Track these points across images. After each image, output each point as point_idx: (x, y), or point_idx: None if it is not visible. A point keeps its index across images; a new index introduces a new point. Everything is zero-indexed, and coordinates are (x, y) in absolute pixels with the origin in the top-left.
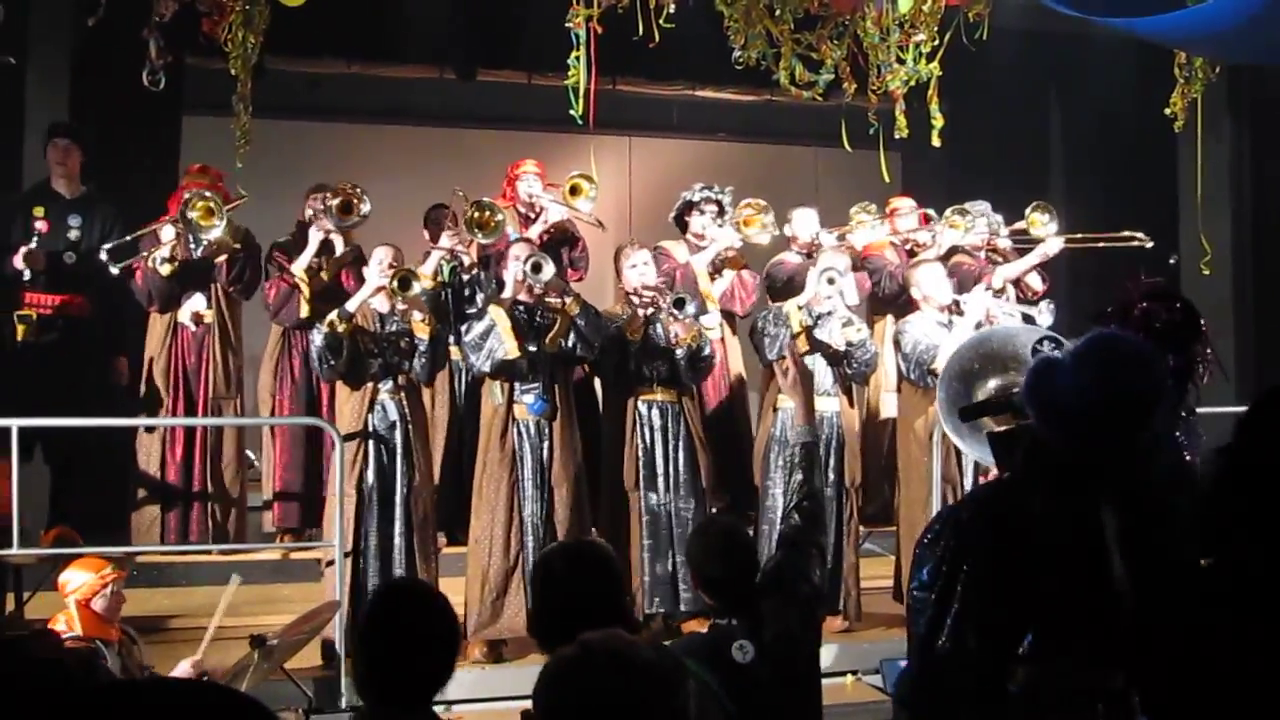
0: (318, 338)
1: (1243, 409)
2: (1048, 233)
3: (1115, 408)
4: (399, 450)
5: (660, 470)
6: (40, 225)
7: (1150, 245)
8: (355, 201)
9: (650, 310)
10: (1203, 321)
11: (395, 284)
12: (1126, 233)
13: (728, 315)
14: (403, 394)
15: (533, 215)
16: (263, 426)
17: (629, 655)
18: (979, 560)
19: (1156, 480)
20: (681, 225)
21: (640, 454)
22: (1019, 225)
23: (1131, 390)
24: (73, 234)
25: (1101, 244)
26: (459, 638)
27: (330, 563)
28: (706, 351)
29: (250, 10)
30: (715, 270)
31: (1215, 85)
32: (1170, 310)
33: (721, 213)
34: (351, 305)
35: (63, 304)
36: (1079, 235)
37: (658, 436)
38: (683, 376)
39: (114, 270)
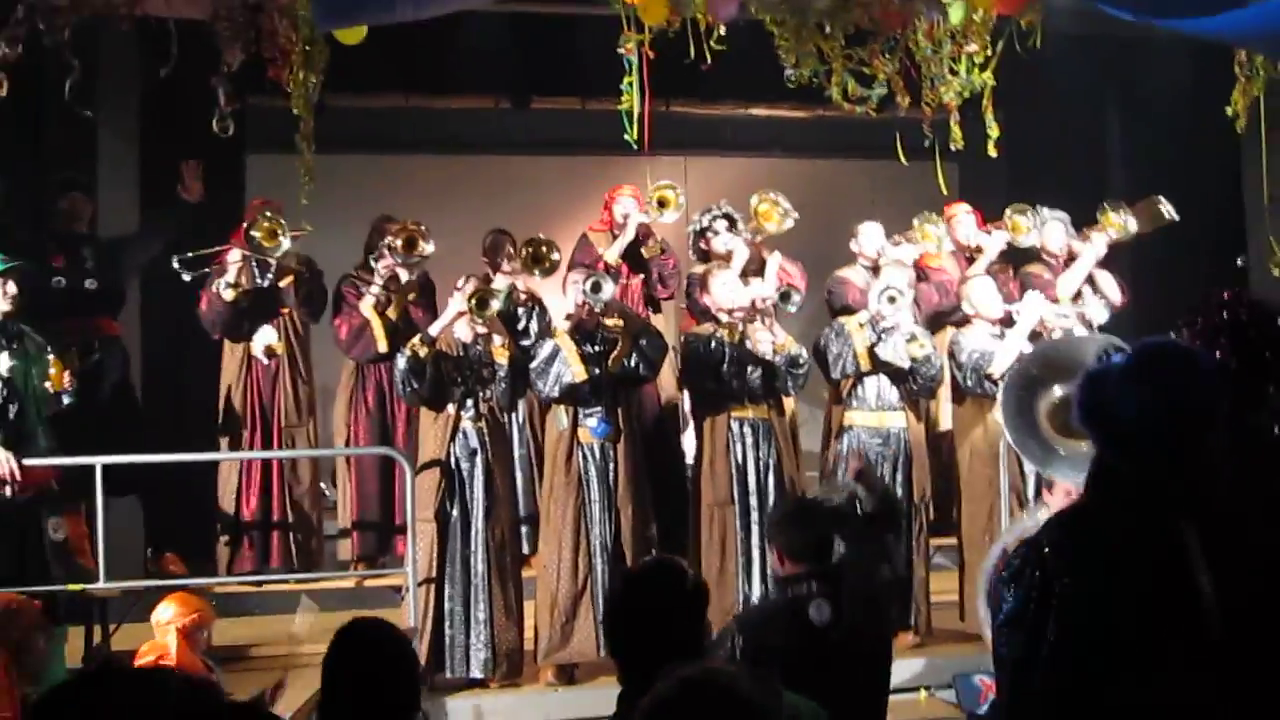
0: (401, 361)
1: None
2: (1126, 230)
3: (1168, 419)
4: (480, 477)
5: (753, 487)
6: (56, 259)
7: (1177, 219)
8: (419, 239)
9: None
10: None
11: (473, 304)
12: (1150, 202)
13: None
14: (484, 421)
15: None
16: (338, 457)
17: (729, 691)
18: (1068, 590)
19: (1239, 492)
20: (703, 256)
21: (734, 470)
22: (1095, 229)
23: (1185, 401)
24: (89, 263)
25: (1143, 229)
26: (415, 674)
27: (408, 589)
28: (804, 358)
29: (311, 51)
30: (745, 277)
31: (1277, 82)
32: (1250, 316)
33: (733, 224)
34: (434, 330)
35: (95, 327)
36: (1133, 228)
37: (750, 454)
38: (779, 385)
39: (186, 278)
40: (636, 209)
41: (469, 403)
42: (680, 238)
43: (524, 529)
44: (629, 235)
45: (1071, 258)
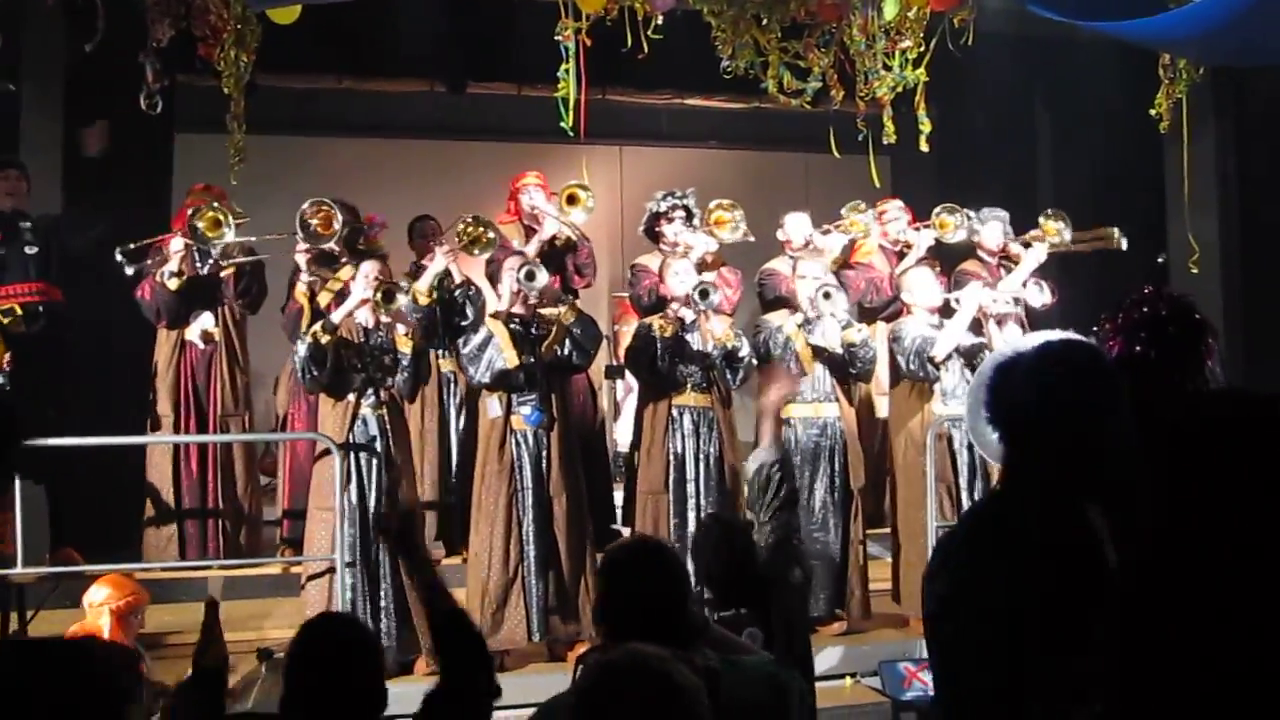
0: (301, 348)
1: None
2: (1063, 240)
3: (1068, 408)
4: (380, 465)
5: (690, 475)
6: None
7: (1125, 246)
8: (333, 216)
9: (690, 315)
10: (1198, 315)
11: (379, 296)
12: (1105, 230)
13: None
14: (385, 409)
15: (536, 227)
16: (279, 443)
17: (657, 675)
18: (985, 579)
19: (1145, 479)
20: (653, 236)
21: (671, 457)
22: (1035, 233)
23: (1084, 391)
24: (27, 234)
25: (1083, 246)
26: (381, 669)
27: (312, 577)
28: (743, 352)
29: (243, 30)
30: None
31: (1200, 86)
32: (1169, 311)
33: (690, 217)
34: (336, 317)
35: (40, 290)
36: (1061, 242)
37: (689, 442)
38: (720, 378)
39: (129, 271)
40: (545, 200)
41: (369, 390)
42: (613, 237)
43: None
44: (546, 233)
45: (1006, 256)
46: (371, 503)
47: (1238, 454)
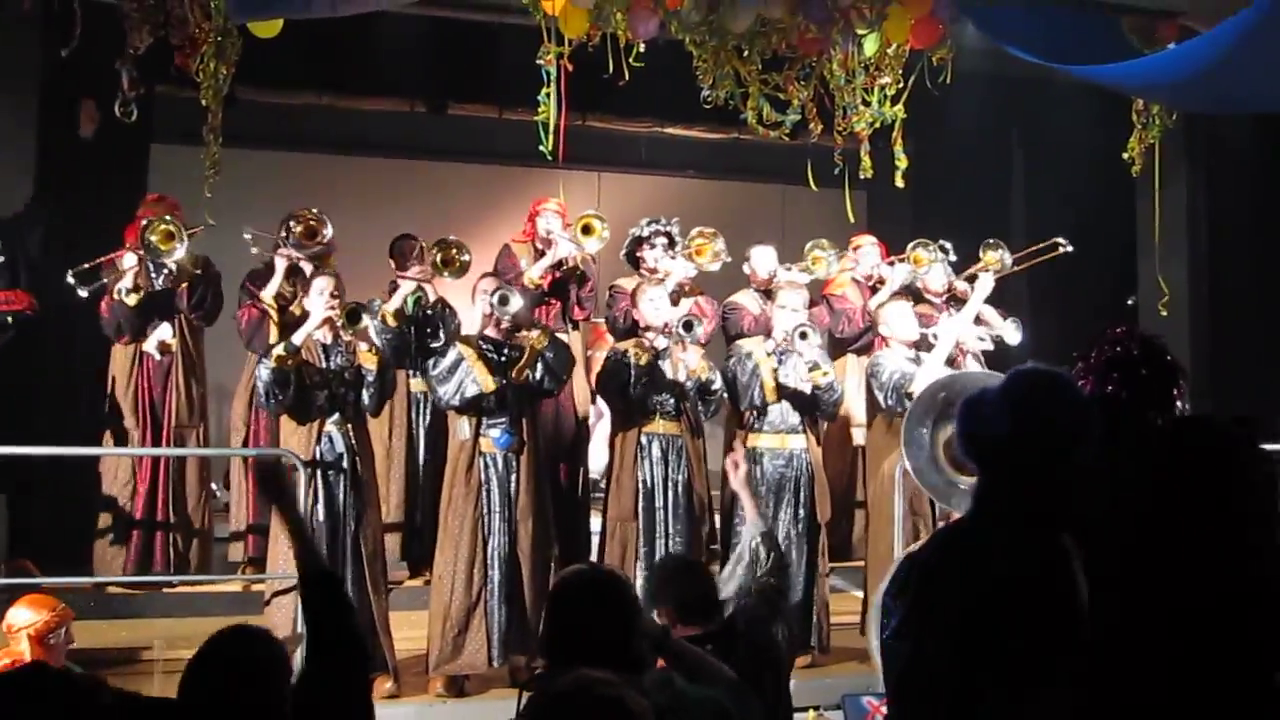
0: (264, 372)
1: None
2: (1004, 265)
3: (1037, 438)
4: (347, 483)
5: (659, 503)
6: None
7: (1070, 250)
8: (318, 226)
9: (664, 343)
10: (1169, 356)
11: (344, 319)
12: (1048, 242)
13: None
14: (350, 426)
15: (548, 251)
16: (233, 457)
17: (607, 700)
18: (947, 603)
19: (1116, 509)
20: (634, 261)
21: (640, 485)
22: (977, 266)
23: (1052, 421)
24: None
25: (1026, 264)
26: (283, 686)
27: (277, 593)
28: (716, 385)
29: (223, 42)
30: (674, 301)
31: (1173, 131)
32: (1141, 352)
33: (672, 244)
34: (297, 339)
35: (6, 300)
36: (1003, 268)
37: (657, 470)
38: (691, 410)
39: (82, 293)
40: (561, 227)
41: (334, 409)
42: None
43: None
44: (554, 257)
45: (952, 296)
46: (342, 519)
47: (1219, 476)
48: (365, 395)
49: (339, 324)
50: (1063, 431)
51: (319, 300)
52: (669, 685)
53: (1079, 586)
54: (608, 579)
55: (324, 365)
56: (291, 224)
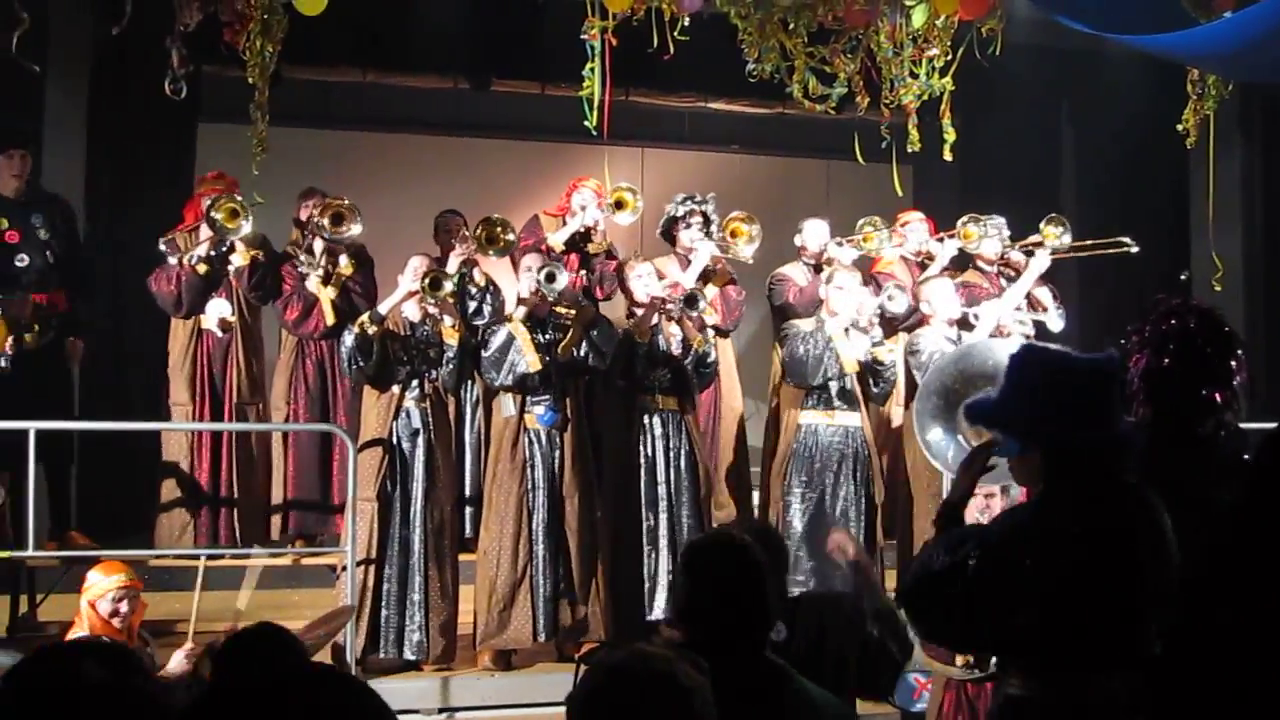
0: (349, 338)
1: (1256, 425)
2: (1062, 245)
3: (1034, 413)
4: (421, 458)
5: (661, 478)
6: (10, 235)
7: (1136, 250)
8: (346, 214)
9: (658, 317)
10: (1227, 328)
11: (426, 283)
12: (1114, 239)
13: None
14: (428, 402)
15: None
16: (274, 433)
17: (663, 676)
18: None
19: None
20: (670, 239)
21: (642, 461)
22: (1034, 239)
23: (1051, 396)
24: (41, 234)
25: (1088, 253)
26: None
27: (345, 568)
28: (712, 357)
29: (269, 19)
30: (702, 284)
31: (1228, 102)
32: (1198, 324)
33: (707, 223)
34: (383, 308)
35: (50, 302)
36: (1066, 247)
37: (659, 445)
38: (689, 382)
39: (171, 260)
40: (595, 203)
41: (414, 383)
42: (632, 238)
43: (469, 511)
44: (577, 224)
45: (1006, 264)
46: (413, 494)
47: None
48: (445, 371)
49: (422, 289)
50: (1062, 403)
51: (410, 276)
52: (788, 681)
53: (1166, 529)
54: (743, 543)
55: (408, 338)
56: (315, 210)
